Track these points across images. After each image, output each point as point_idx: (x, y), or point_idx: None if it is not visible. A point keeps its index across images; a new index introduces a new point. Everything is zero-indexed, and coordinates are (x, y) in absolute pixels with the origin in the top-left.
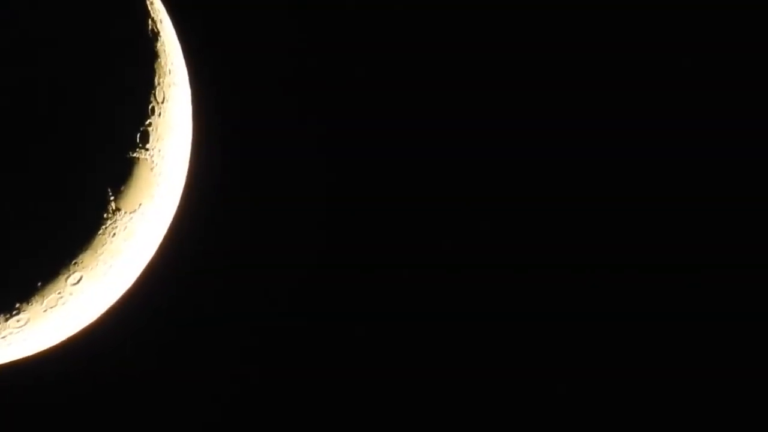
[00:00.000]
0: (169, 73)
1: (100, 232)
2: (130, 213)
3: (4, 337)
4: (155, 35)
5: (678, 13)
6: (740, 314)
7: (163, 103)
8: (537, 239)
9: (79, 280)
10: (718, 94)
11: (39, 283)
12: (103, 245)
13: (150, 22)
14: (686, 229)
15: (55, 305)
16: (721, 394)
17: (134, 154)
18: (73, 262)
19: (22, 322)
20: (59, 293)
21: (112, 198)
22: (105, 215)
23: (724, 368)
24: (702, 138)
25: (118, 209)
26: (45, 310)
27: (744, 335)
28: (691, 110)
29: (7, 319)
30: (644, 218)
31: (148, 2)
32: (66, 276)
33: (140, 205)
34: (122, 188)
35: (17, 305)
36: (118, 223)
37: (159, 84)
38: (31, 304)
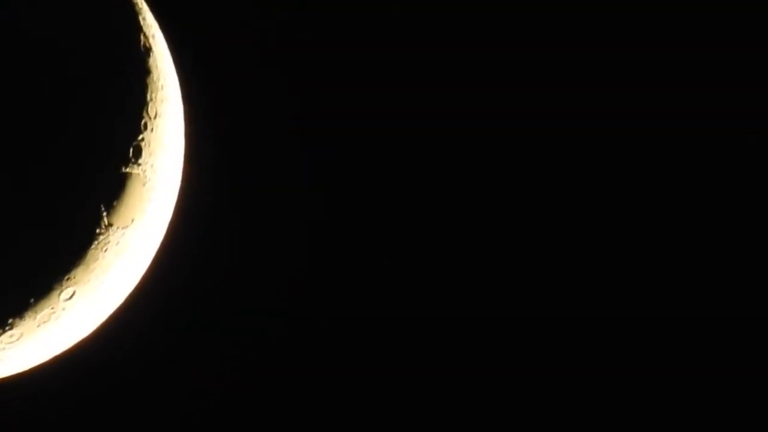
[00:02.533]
0: (162, 88)
1: (93, 247)
2: (123, 228)
3: None
4: (147, 51)
5: (677, 13)
6: (740, 314)
7: (155, 118)
8: (536, 238)
9: (71, 296)
10: (718, 93)
11: (32, 299)
12: (96, 260)
13: (142, 37)
14: (685, 229)
15: (48, 320)
16: (720, 393)
17: (127, 170)
18: (66, 277)
19: (15, 338)
20: (52, 308)
21: (104, 213)
22: (97, 230)
23: (724, 368)
24: (702, 137)
25: (110, 224)
26: (38, 326)
27: (743, 335)
28: (690, 110)
29: (0, 335)
30: (643, 218)
31: (140, 18)
32: (59, 291)
33: (133, 220)
34: (115, 203)
35: (10, 320)
36: (111, 238)
37: (151, 99)
38: (24, 320)
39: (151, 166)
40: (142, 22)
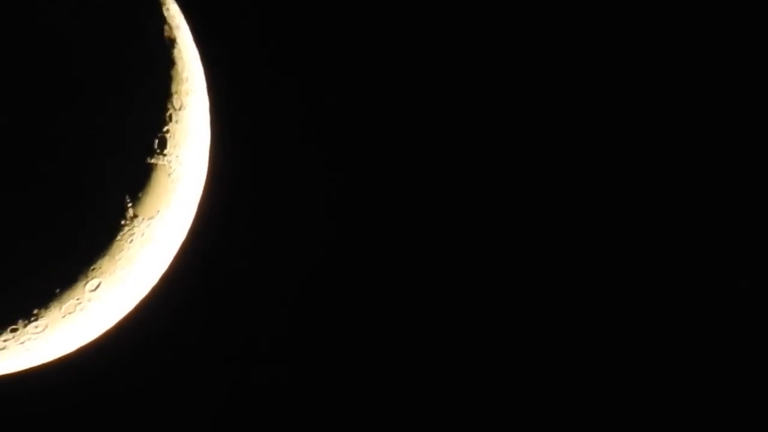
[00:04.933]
0: (186, 80)
1: (118, 238)
2: (148, 219)
3: (22, 343)
4: (172, 42)
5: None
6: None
7: (180, 110)
8: (537, 238)
9: (97, 287)
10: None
11: (57, 290)
12: (121, 251)
13: (166, 28)
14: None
15: (74, 311)
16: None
17: (152, 161)
18: (92, 268)
19: (40, 328)
20: (77, 299)
21: (129, 204)
22: (123, 221)
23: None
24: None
25: (136, 215)
26: (63, 316)
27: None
28: (688, 110)
29: (25, 325)
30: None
31: (164, 8)
32: (84, 282)
33: (158, 211)
34: (140, 194)
35: (35, 311)
36: (136, 229)
37: (176, 91)
38: (50, 310)
39: (177, 157)
40: (166, 13)
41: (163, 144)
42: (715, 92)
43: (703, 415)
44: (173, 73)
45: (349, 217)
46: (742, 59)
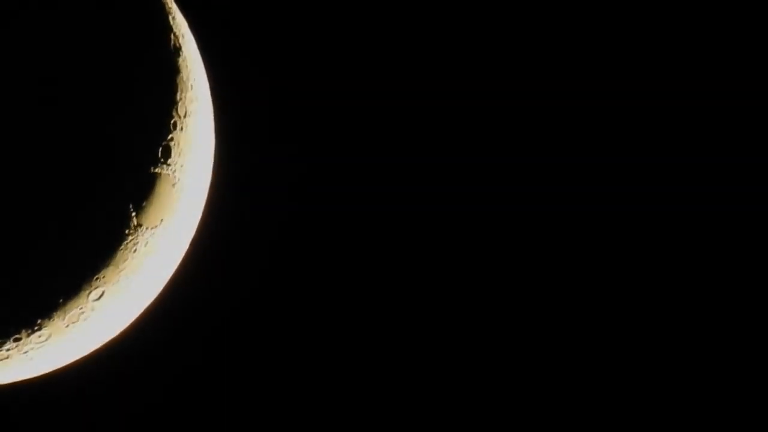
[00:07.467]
0: (191, 88)
1: (122, 247)
2: (152, 228)
3: (26, 353)
4: (177, 50)
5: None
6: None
7: (184, 118)
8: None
9: (100, 296)
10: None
11: (60, 299)
12: (125, 261)
13: (172, 36)
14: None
15: (77, 321)
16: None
17: (156, 170)
18: (95, 277)
19: (43, 338)
20: (81, 309)
21: (133, 213)
22: (127, 231)
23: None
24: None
25: (139, 225)
26: (67, 326)
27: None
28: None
29: (29, 335)
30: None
31: (169, 17)
32: (88, 292)
33: (162, 220)
34: (144, 204)
35: (39, 321)
36: (140, 238)
37: (181, 99)
38: (53, 320)
39: (181, 166)
40: (171, 22)
41: (167, 153)
42: (713, 92)
43: (703, 415)
44: (178, 80)
45: (355, 227)
46: (743, 59)
